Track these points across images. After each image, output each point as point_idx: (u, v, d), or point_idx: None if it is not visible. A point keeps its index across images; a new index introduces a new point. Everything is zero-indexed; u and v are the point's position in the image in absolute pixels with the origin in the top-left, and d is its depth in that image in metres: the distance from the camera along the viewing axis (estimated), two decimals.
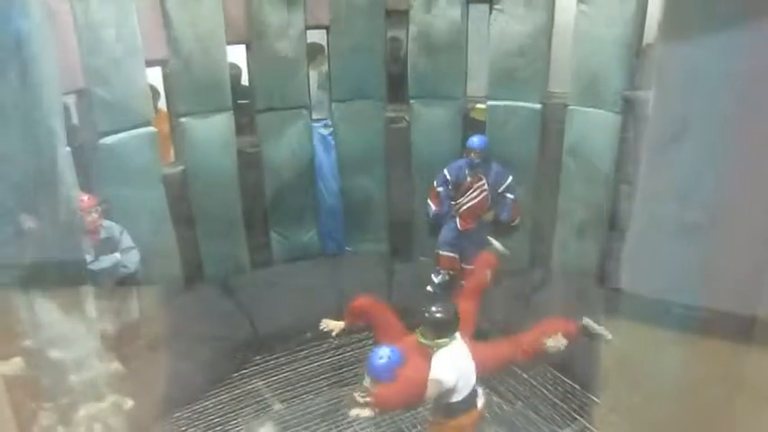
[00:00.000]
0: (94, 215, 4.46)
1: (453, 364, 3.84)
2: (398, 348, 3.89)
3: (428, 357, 3.87)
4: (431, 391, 3.80)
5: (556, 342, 4.17)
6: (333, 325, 4.53)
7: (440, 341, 3.84)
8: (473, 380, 3.94)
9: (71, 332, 1.75)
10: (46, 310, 1.67)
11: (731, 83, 1.44)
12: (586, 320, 4.29)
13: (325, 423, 4.89)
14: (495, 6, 5.59)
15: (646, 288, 1.78)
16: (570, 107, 5.47)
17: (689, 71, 1.51)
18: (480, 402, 4.09)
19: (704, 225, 1.54)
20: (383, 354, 3.82)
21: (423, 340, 3.87)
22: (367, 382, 3.84)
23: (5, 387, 1.58)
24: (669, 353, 1.71)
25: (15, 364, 1.61)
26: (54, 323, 1.69)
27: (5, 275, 1.54)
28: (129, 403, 1.99)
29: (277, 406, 5.13)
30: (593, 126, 5.32)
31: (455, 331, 3.90)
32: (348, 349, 5.77)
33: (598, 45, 5.10)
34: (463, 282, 5.98)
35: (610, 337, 4.77)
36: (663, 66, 1.63)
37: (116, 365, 1.99)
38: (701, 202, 1.55)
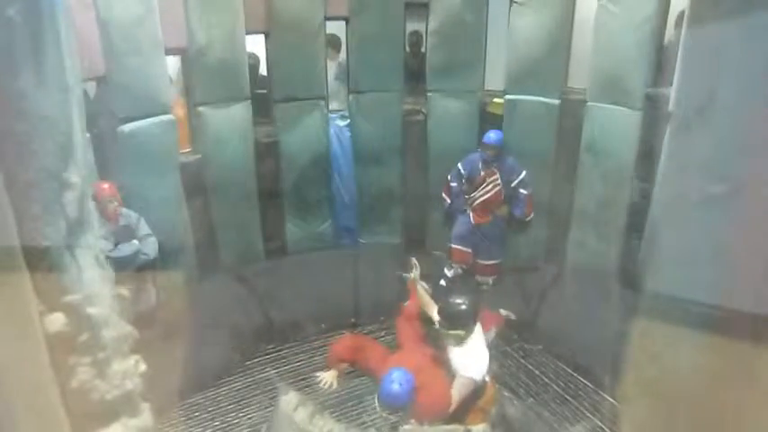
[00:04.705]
0: (115, 203, 4.50)
1: (478, 358, 3.89)
2: (404, 369, 3.84)
3: (437, 358, 3.92)
4: (465, 391, 3.83)
5: (489, 336, 4.54)
6: (329, 377, 4.61)
7: (452, 332, 3.88)
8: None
9: (102, 289, 1.81)
10: (89, 266, 1.73)
11: (758, 57, 1.43)
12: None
13: (336, 413, 4.92)
14: (515, 0, 5.55)
15: (665, 272, 1.77)
16: (589, 103, 5.42)
17: (716, 45, 1.50)
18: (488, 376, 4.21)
19: (729, 199, 1.53)
20: (395, 378, 3.70)
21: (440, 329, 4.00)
22: (382, 410, 3.78)
23: (46, 344, 1.63)
24: (686, 347, 1.72)
25: (57, 320, 1.65)
26: (93, 279, 1.75)
27: (53, 231, 1.58)
28: (143, 367, 2.05)
29: None
30: (612, 123, 5.26)
31: (472, 324, 3.94)
32: (362, 335, 5.80)
33: (619, 40, 5.04)
34: (477, 277, 6.02)
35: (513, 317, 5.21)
36: (689, 40, 1.62)
37: (131, 328, 2.06)
38: (726, 176, 1.54)
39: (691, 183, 1.59)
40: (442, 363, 4.08)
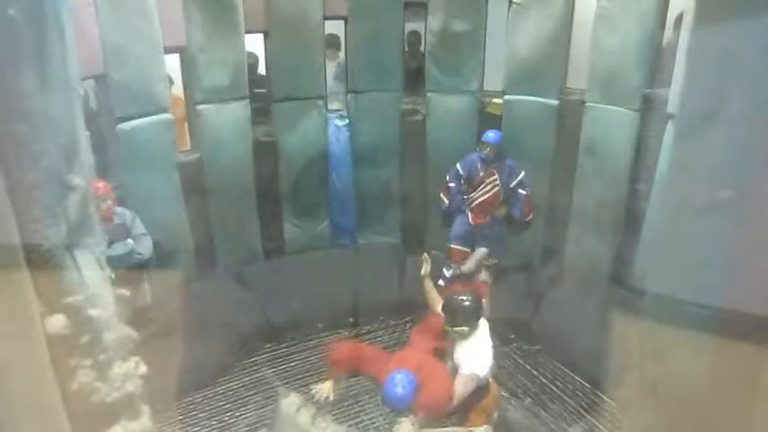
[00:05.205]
0: (109, 202, 4.48)
1: (481, 354, 3.90)
2: (407, 370, 3.90)
3: (439, 354, 3.94)
4: (467, 387, 3.83)
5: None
6: (326, 389, 4.62)
7: (456, 329, 3.89)
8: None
9: (103, 291, 1.80)
10: (89, 268, 1.72)
11: (766, 61, 1.43)
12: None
13: (333, 412, 4.91)
14: (515, 0, 5.55)
15: (668, 275, 1.77)
16: (588, 104, 5.43)
17: (723, 50, 1.49)
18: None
19: (735, 204, 1.53)
20: (398, 382, 3.76)
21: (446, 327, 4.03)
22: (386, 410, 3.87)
23: (47, 345, 1.62)
24: (690, 349, 1.72)
25: (58, 322, 1.64)
26: (94, 281, 1.74)
27: (54, 233, 1.57)
28: (143, 368, 2.05)
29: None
30: (610, 123, 5.27)
31: (476, 320, 3.95)
32: (358, 340, 5.79)
33: (618, 41, 5.05)
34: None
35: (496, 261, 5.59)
36: (695, 43, 1.61)
37: (130, 330, 2.05)
38: (733, 181, 1.53)
39: (695, 187, 1.58)
40: (446, 359, 4.09)
